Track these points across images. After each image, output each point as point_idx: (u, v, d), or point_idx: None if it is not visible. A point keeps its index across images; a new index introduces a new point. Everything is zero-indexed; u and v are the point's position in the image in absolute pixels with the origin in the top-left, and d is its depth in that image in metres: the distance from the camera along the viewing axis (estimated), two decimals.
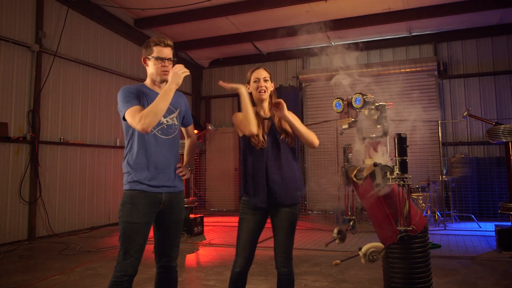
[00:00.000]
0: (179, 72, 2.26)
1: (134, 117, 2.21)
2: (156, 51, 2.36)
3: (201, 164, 10.58)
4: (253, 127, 2.45)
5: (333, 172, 8.43)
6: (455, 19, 8.50)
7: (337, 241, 2.26)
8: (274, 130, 2.58)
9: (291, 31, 8.58)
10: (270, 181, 2.49)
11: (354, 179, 2.15)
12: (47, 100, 6.88)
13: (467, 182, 8.08)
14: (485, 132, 5.81)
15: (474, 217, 7.46)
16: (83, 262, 4.93)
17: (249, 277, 2.62)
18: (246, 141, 2.59)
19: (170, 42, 2.42)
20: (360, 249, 1.95)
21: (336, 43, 9.95)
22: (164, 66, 2.37)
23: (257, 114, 2.59)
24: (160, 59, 2.36)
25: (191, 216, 6.56)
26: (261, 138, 2.54)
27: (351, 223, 2.30)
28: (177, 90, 2.38)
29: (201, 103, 11.65)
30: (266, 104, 2.67)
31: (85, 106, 7.68)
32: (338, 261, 2.11)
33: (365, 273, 4.24)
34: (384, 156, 2.14)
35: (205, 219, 6.94)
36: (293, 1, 7.61)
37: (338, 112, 2.37)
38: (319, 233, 6.86)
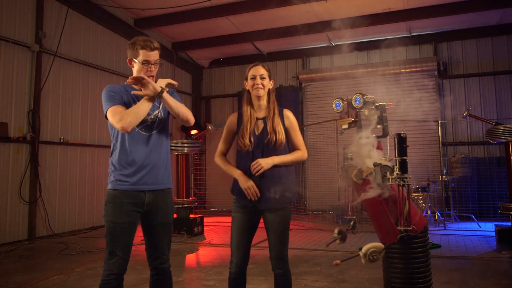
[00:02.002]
0: (159, 84, 2.29)
1: (114, 116, 2.22)
2: (142, 54, 2.33)
3: (201, 164, 10.57)
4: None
5: (333, 172, 8.42)
6: (455, 19, 8.50)
7: (337, 241, 2.26)
8: (264, 132, 2.55)
9: (291, 31, 8.57)
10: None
11: (354, 179, 2.15)
12: (47, 100, 6.88)
13: (467, 182, 8.07)
14: (485, 132, 5.81)
15: (474, 217, 7.46)
16: (83, 262, 4.93)
17: (249, 277, 2.61)
18: (237, 142, 2.63)
19: (156, 45, 2.38)
20: (360, 249, 1.95)
21: (336, 43, 9.96)
22: (149, 70, 2.36)
23: (250, 114, 2.59)
24: (146, 63, 2.35)
25: (191, 216, 6.56)
26: (247, 141, 2.52)
27: (351, 223, 2.30)
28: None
29: (201, 103, 11.64)
30: (263, 102, 2.63)
31: (85, 106, 7.68)
32: (338, 261, 2.11)
33: (365, 273, 4.24)
34: (383, 156, 2.14)
35: (205, 219, 6.94)
36: (293, 1, 7.61)
37: (338, 112, 2.37)
38: (319, 233, 6.85)
